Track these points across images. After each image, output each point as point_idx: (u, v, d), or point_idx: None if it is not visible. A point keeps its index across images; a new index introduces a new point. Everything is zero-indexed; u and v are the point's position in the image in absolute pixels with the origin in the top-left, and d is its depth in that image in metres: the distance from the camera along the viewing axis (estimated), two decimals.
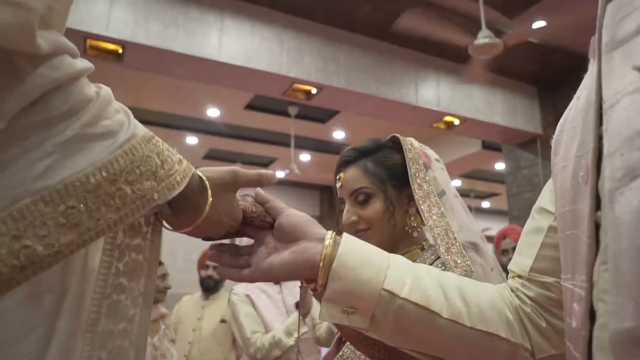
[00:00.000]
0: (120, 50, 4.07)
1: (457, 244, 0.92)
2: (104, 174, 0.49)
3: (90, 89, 0.51)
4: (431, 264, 0.95)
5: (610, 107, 0.41)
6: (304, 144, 7.28)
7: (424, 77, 5.28)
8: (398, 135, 1.08)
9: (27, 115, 0.45)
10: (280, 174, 7.88)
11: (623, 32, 0.41)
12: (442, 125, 5.63)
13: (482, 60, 4.05)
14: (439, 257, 0.94)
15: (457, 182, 8.95)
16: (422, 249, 1.04)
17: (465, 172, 7.99)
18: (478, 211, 10.74)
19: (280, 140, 7.17)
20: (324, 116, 6.60)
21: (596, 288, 0.41)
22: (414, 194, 0.98)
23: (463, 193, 9.81)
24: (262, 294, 2.53)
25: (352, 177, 1.05)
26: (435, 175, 1.03)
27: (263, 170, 0.70)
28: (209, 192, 0.61)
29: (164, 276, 2.53)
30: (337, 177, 1.07)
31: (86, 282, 0.55)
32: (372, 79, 4.93)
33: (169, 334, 2.60)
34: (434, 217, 0.96)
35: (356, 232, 1.02)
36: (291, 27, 4.62)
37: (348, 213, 1.03)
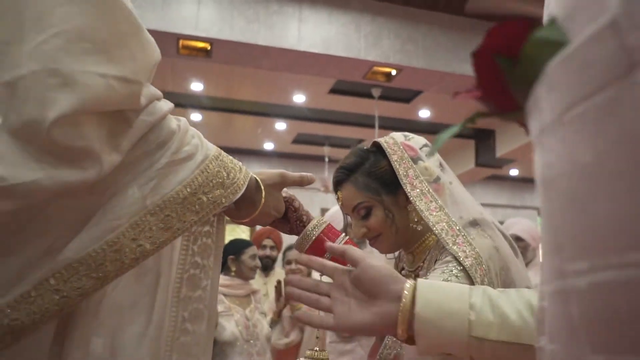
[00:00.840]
0: (209, 47, 4.38)
1: (462, 233, 0.96)
2: (189, 189, 0.69)
3: (173, 123, 0.69)
4: (442, 249, 0.99)
5: None
6: (389, 124, 7.29)
7: None
8: (378, 140, 1.11)
9: (133, 151, 0.64)
10: None
11: None
12: None
13: None
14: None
15: None
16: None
17: None
18: None
19: (365, 122, 7.25)
20: (408, 96, 6.57)
21: None
22: (409, 196, 1.02)
23: None
24: None
25: (348, 195, 1.09)
26: (425, 164, 1.05)
27: (304, 173, 0.88)
28: (263, 191, 0.79)
29: (254, 256, 2.76)
30: (337, 198, 1.12)
31: (171, 265, 0.75)
32: (453, 57, 4.85)
33: (259, 307, 2.84)
34: (434, 213, 0.99)
35: (370, 240, 1.09)
36: (367, 11, 4.67)
37: (356, 227, 1.09)
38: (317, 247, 0.89)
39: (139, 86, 0.62)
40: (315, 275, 2.62)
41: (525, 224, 3.23)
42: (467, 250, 0.93)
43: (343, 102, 6.77)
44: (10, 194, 0.53)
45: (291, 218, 0.89)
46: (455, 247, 0.94)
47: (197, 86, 6.08)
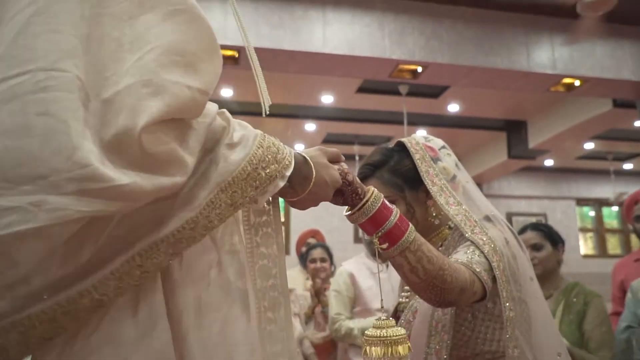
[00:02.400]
0: (237, 55, 4.50)
1: (479, 224, 1.05)
2: (250, 165, 0.71)
3: (221, 121, 0.73)
4: (458, 239, 1.10)
5: None
6: (418, 120, 7.30)
7: (536, 40, 5.03)
8: (402, 140, 1.20)
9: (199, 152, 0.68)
10: None
11: None
12: (561, 89, 5.32)
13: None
14: (462, 236, 1.08)
15: (590, 145, 8.29)
16: (450, 228, 1.17)
17: (598, 133, 7.39)
18: (619, 174, 9.82)
19: (394, 119, 7.27)
20: (435, 91, 6.56)
21: None
22: (431, 192, 1.11)
23: (598, 156, 9.04)
24: (368, 272, 2.72)
25: None
26: (444, 165, 1.14)
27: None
28: (311, 163, 0.81)
29: None
30: None
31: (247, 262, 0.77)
32: (478, 50, 4.84)
33: (292, 308, 2.92)
34: (453, 206, 1.08)
35: None
36: (390, 10, 4.70)
37: None
38: (374, 222, 0.90)
39: (208, 97, 0.66)
40: (365, 268, 2.68)
41: None
42: (484, 239, 1.03)
43: (371, 101, 6.81)
44: (118, 194, 0.54)
45: (346, 192, 0.89)
46: (473, 236, 1.04)
47: (227, 92, 6.23)
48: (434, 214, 1.17)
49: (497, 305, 1.09)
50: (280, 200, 0.86)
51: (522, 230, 2.35)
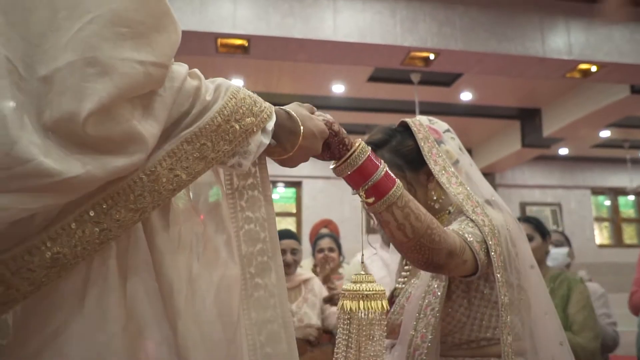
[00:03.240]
0: (247, 44, 4.46)
1: (480, 206, 1.04)
2: (221, 116, 0.67)
3: (193, 81, 0.68)
4: (456, 219, 1.08)
5: None
6: (430, 109, 7.20)
7: (551, 25, 4.92)
8: (406, 120, 1.18)
9: (169, 118, 0.64)
10: None
11: None
12: (577, 75, 5.20)
13: None
14: (461, 213, 1.07)
15: (606, 133, 8.14)
16: (449, 213, 1.16)
17: (615, 120, 7.24)
18: (636, 163, 9.66)
19: (406, 108, 7.18)
20: (448, 79, 6.47)
21: None
22: (432, 171, 1.09)
23: (615, 144, 8.89)
24: (380, 261, 2.71)
25: None
26: (447, 148, 1.13)
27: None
28: (296, 117, 0.77)
29: (294, 251, 2.82)
30: None
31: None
32: (492, 36, 4.74)
33: (310, 299, 2.87)
34: (454, 186, 1.07)
35: None
36: None
37: None
38: (360, 174, 0.88)
39: (166, 70, 0.61)
40: (378, 258, 2.68)
41: None
42: (485, 220, 1.01)
43: (383, 90, 6.75)
44: (67, 187, 0.51)
45: (332, 143, 0.86)
46: (474, 215, 1.02)
47: (237, 82, 6.19)
48: (434, 197, 1.16)
49: (494, 290, 1.08)
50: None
51: None
